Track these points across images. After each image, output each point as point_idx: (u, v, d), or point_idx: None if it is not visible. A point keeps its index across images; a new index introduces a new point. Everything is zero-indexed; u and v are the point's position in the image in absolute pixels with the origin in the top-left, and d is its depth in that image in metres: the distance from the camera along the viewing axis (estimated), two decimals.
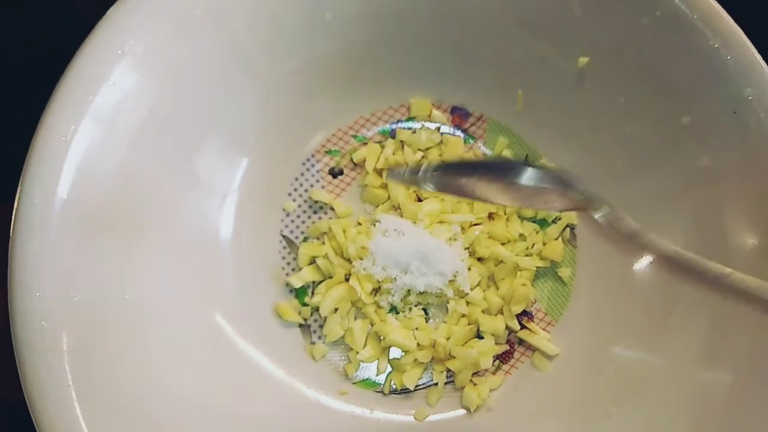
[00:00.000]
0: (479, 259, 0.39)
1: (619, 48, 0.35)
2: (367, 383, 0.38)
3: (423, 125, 0.41)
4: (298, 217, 0.40)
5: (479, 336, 0.38)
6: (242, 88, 0.36)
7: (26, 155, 0.30)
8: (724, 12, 0.33)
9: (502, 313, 0.39)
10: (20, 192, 0.30)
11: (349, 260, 0.39)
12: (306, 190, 0.40)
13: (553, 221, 0.40)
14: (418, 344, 0.38)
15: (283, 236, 0.40)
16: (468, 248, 0.39)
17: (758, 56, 0.32)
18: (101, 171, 0.32)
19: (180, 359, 0.34)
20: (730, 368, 0.32)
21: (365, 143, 0.41)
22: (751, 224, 0.32)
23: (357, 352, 0.38)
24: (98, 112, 0.31)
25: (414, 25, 0.38)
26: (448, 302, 0.38)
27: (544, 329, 0.39)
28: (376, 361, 0.38)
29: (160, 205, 0.35)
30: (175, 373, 0.33)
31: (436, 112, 0.41)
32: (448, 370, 0.38)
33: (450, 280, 0.38)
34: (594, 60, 0.36)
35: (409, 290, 0.38)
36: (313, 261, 0.39)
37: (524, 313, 0.39)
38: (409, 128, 0.41)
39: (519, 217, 0.40)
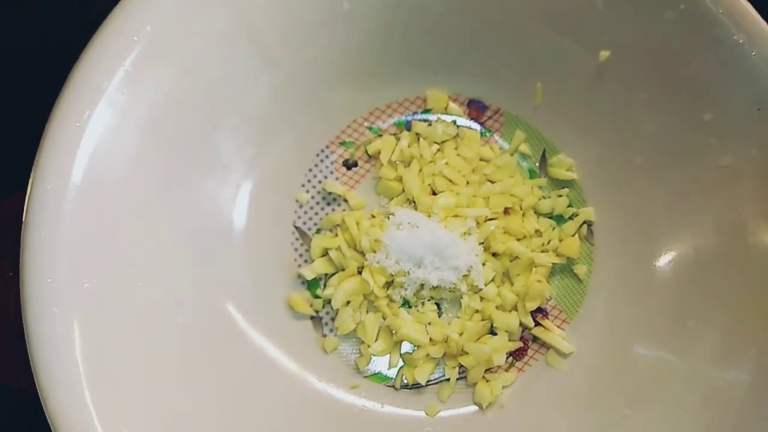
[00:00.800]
0: (494, 255, 0.38)
1: (642, 42, 0.34)
2: (378, 377, 0.38)
3: (439, 118, 0.41)
4: (312, 208, 0.40)
5: (493, 332, 0.38)
6: (258, 77, 0.36)
7: (37, 144, 0.30)
8: (750, 6, 0.32)
9: (516, 310, 0.38)
10: (33, 177, 0.30)
11: (362, 253, 0.38)
12: (320, 182, 0.40)
13: (570, 217, 0.39)
14: (430, 339, 0.37)
15: (296, 227, 0.39)
16: (483, 243, 0.38)
17: None
18: (115, 157, 0.31)
19: (191, 348, 0.34)
20: (748, 369, 0.31)
21: (380, 135, 0.41)
22: None
23: (369, 346, 0.38)
24: (113, 98, 0.31)
25: (432, 16, 0.37)
26: (461, 297, 0.38)
27: (558, 327, 0.38)
28: (388, 355, 0.38)
29: (173, 192, 0.34)
30: (186, 361, 0.33)
31: (452, 105, 0.40)
32: (461, 366, 0.38)
33: (464, 275, 0.37)
34: (615, 54, 0.35)
35: (422, 284, 0.37)
36: (325, 253, 0.39)
37: (539, 309, 0.38)
38: (425, 120, 0.41)
39: (535, 212, 0.39)
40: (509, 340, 0.38)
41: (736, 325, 0.32)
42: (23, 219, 0.30)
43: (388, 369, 0.38)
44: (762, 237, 0.32)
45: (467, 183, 0.39)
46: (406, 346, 0.38)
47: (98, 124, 0.31)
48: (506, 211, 0.39)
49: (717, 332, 0.33)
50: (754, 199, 0.33)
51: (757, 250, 0.32)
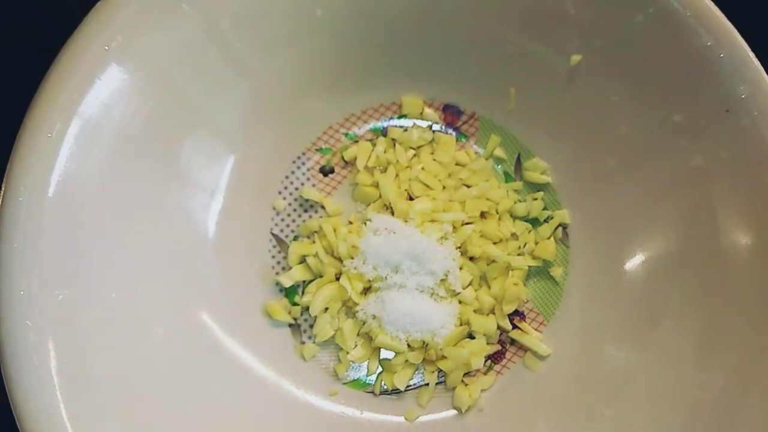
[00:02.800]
0: (471, 258, 0.39)
1: (612, 46, 0.35)
2: (357, 383, 0.38)
3: (415, 123, 0.41)
4: (289, 215, 0.40)
5: (471, 336, 0.38)
6: (230, 85, 0.36)
7: (8, 155, 0.30)
8: (718, 10, 0.32)
9: (493, 313, 0.38)
10: (5, 189, 0.30)
11: (339, 259, 0.38)
12: (296, 188, 0.40)
13: (545, 220, 0.39)
14: (408, 345, 0.37)
15: (273, 235, 0.39)
16: (459, 247, 0.38)
17: (751, 54, 0.32)
18: (87, 168, 0.31)
19: (167, 358, 0.33)
20: (722, 369, 0.32)
21: (356, 141, 0.41)
22: (744, 224, 0.32)
23: (347, 353, 0.38)
24: (84, 109, 0.31)
25: (406, 22, 0.37)
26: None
27: (536, 329, 0.38)
28: (367, 361, 0.38)
29: (146, 202, 0.34)
30: (163, 372, 0.33)
31: (428, 110, 0.41)
32: (440, 371, 0.38)
33: (441, 280, 0.37)
34: (587, 58, 0.36)
35: None
36: (303, 260, 0.39)
37: (516, 312, 0.38)
38: (401, 126, 0.41)
39: (511, 215, 0.39)
40: (487, 344, 0.38)
41: (710, 326, 0.33)
42: None
43: (367, 375, 0.38)
44: (732, 235, 0.33)
45: (443, 188, 0.39)
46: (384, 352, 0.38)
47: (70, 136, 0.31)
48: (482, 215, 0.39)
49: (690, 333, 0.33)
50: (725, 199, 0.33)
51: (728, 250, 0.33)
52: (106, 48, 0.32)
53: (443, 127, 0.41)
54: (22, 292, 0.29)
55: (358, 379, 0.38)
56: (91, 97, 0.31)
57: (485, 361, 0.38)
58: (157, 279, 0.34)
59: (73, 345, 0.30)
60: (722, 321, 0.32)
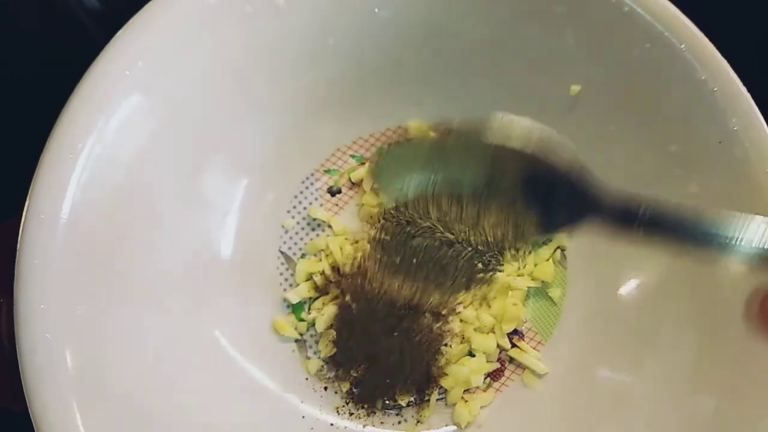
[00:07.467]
0: None
1: (611, 77, 0.36)
2: None
3: None
4: (297, 234, 0.41)
5: (471, 354, 0.39)
6: (245, 112, 0.38)
7: (31, 173, 0.31)
8: (712, 46, 0.34)
9: (493, 332, 0.40)
10: (28, 206, 0.31)
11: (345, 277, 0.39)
12: (305, 208, 0.41)
13: (544, 242, 0.41)
14: None
15: (282, 252, 0.41)
16: None
17: (743, 89, 0.33)
18: (106, 188, 0.33)
19: (180, 373, 0.35)
20: (714, 392, 0.33)
21: (363, 163, 0.42)
22: None
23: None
24: (105, 131, 0.32)
25: (413, 52, 0.39)
26: None
27: (534, 348, 0.40)
28: None
29: (162, 222, 0.35)
30: (175, 386, 0.34)
31: (433, 135, 0.42)
32: (440, 387, 0.39)
33: None
34: (586, 88, 0.37)
35: None
36: (310, 277, 0.40)
37: (515, 331, 0.40)
38: None
39: None
40: (487, 362, 0.39)
41: (703, 350, 0.34)
42: (17, 247, 0.31)
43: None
44: (725, 262, 0.34)
45: None
46: None
47: (90, 156, 0.32)
48: None
49: (685, 356, 0.34)
50: None
51: (721, 275, 0.34)
52: (127, 72, 0.33)
53: None
54: (42, 306, 0.30)
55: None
56: (112, 120, 0.33)
57: (485, 378, 0.39)
58: (172, 295, 0.35)
59: (90, 358, 0.31)
60: (715, 344, 0.34)
